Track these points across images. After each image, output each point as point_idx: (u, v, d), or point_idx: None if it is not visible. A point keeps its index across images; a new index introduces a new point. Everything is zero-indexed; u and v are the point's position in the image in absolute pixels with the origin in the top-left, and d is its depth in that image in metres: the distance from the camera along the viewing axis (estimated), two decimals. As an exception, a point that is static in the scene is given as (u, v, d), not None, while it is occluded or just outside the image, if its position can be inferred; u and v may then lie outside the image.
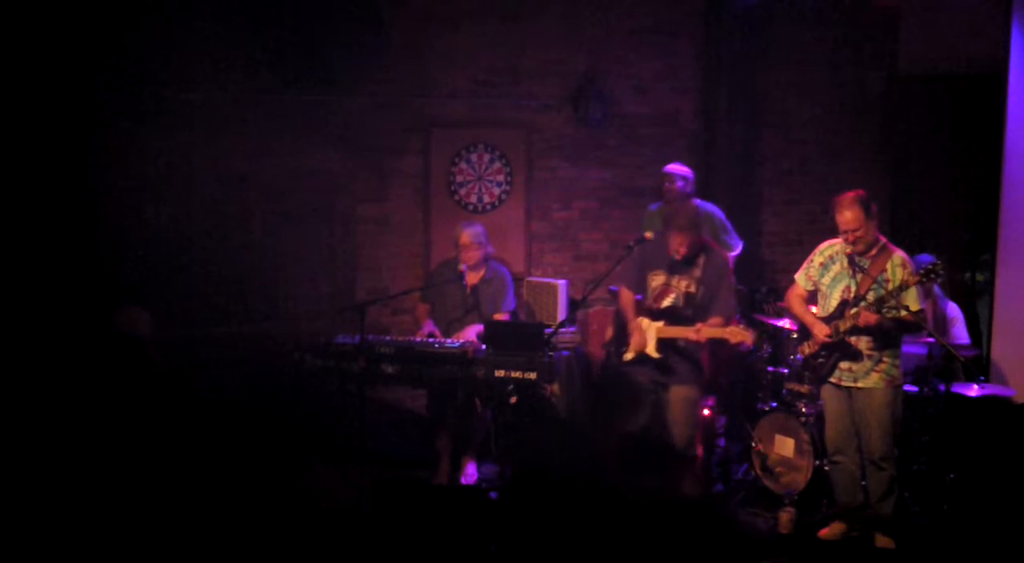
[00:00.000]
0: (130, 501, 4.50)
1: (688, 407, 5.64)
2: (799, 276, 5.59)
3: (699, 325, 5.44)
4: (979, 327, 7.11)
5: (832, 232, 5.42)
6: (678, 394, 5.62)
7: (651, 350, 5.57)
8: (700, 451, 5.89)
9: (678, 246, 5.55)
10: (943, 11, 7.35)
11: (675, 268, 5.63)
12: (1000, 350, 6.54)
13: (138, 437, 4.72)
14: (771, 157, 8.16)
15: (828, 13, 7.83)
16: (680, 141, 7.93)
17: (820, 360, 5.45)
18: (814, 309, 5.57)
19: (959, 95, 7.57)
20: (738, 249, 7.22)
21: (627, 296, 5.78)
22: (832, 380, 5.43)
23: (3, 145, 6.31)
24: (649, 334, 5.57)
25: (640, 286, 5.75)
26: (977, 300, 7.32)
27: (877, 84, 8.09)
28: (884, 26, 7.92)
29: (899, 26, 7.85)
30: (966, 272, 7.54)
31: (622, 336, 5.77)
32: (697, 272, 5.59)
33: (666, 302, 5.63)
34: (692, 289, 5.59)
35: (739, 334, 5.38)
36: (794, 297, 5.61)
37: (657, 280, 5.68)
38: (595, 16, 7.71)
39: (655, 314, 5.63)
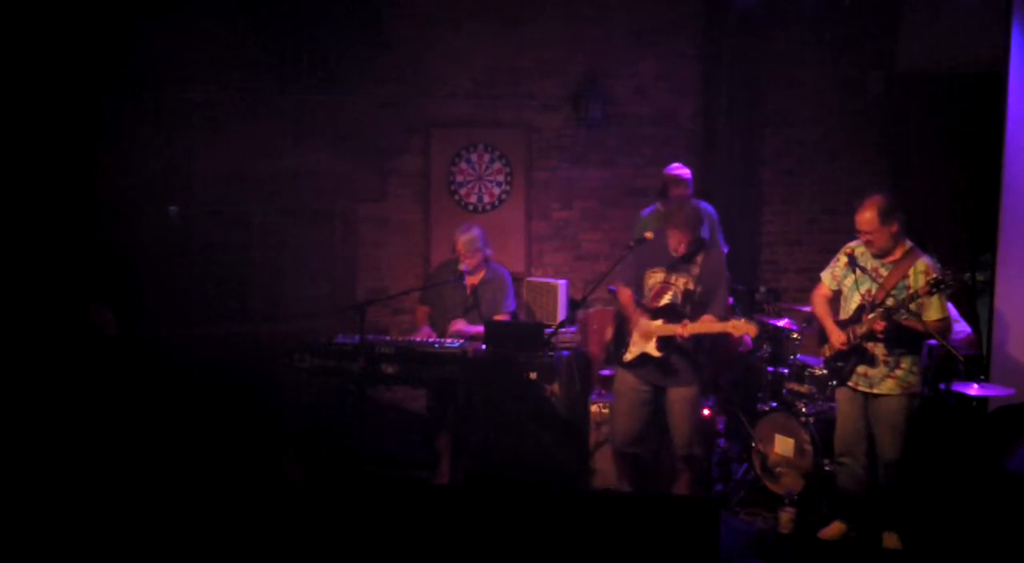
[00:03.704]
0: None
1: (688, 408, 5.63)
2: (825, 274, 5.55)
3: (687, 323, 5.42)
4: (979, 327, 7.10)
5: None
6: (678, 395, 5.61)
7: (652, 349, 5.56)
8: (700, 451, 5.87)
9: (677, 244, 5.53)
10: (943, 11, 7.34)
11: (674, 266, 5.60)
12: (1000, 350, 6.53)
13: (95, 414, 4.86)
14: (771, 157, 8.16)
15: (828, 13, 7.81)
16: (680, 141, 7.93)
17: (839, 363, 5.43)
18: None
19: (959, 95, 7.55)
20: (724, 250, 7.24)
21: (626, 294, 5.74)
22: (849, 383, 5.40)
23: (3, 145, 6.32)
24: (649, 333, 5.56)
25: (637, 284, 5.73)
26: (977, 300, 7.31)
27: (877, 84, 8.08)
28: (884, 26, 7.92)
29: (899, 26, 7.84)
30: (966, 272, 7.53)
31: (622, 337, 5.75)
32: (696, 269, 5.57)
33: (664, 300, 5.59)
34: (691, 286, 5.56)
35: (742, 327, 5.34)
36: (818, 297, 5.56)
37: (655, 278, 5.65)
38: (595, 16, 7.72)
39: (653, 312, 5.60)
